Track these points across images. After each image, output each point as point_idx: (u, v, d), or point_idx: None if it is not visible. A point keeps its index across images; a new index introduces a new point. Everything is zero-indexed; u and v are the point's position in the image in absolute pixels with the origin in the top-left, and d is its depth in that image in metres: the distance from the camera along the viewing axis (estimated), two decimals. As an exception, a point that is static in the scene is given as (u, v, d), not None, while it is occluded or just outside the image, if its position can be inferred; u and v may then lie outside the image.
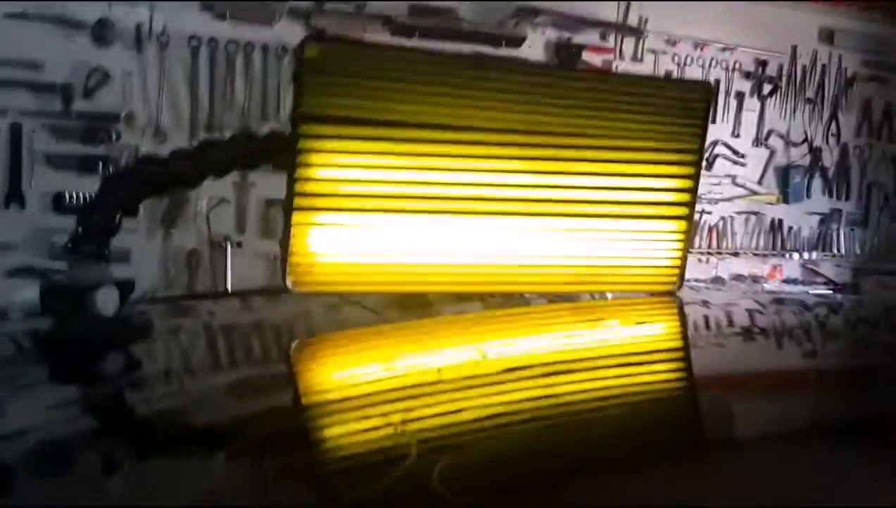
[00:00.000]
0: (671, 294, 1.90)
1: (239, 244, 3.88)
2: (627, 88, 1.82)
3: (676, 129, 1.82)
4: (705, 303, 2.12)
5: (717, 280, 5.17)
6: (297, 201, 1.56)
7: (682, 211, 1.87)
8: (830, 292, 5.32)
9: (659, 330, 1.78)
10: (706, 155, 4.52)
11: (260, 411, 1.11)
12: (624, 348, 1.58)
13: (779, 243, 5.36)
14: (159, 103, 3.75)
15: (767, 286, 5.25)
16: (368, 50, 1.58)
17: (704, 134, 1.84)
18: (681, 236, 1.87)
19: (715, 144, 5.01)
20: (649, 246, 1.86)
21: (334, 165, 1.59)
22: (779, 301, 2.31)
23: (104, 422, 1.08)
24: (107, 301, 1.50)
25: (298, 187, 1.56)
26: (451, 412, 1.10)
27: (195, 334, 1.70)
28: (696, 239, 4.97)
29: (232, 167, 1.58)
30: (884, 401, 1.19)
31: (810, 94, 5.35)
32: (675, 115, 1.82)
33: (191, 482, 0.84)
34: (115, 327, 1.52)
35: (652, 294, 1.90)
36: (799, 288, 5.40)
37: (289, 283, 1.60)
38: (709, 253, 5.14)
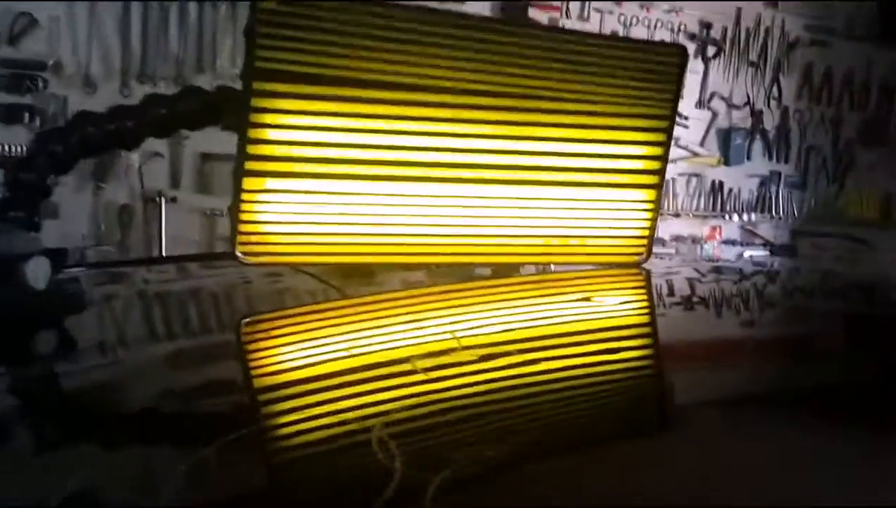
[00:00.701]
0: (638, 265, 1.81)
1: (173, 200, 3.71)
2: (597, 48, 1.70)
3: (648, 93, 1.72)
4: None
5: (658, 241, 5.13)
6: (249, 165, 1.43)
7: (653, 179, 1.77)
8: (767, 252, 5.34)
9: (614, 305, 1.68)
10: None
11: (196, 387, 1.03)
12: (583, 325, 1.47)
13: (719, 205, 5.34)
14: (89, 52, 3.54)
15: (706, 247, 5.24)
16: (326, 3, 1.42)
17: (677, 99, 1.74)
18: (650, 206, 1.78)
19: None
20: (617, 215, 1.77)
21: (288, 126, 1.46)
22: (717, 270, 2.25)
23: (30, 401, 1.00)
24: (38, 272, 1.36)
25: (250, 150, 1.42)
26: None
27: (130, 304, 1.56)
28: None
29: (177, 126, 1.43)
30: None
31: (753, 57, 5.31)
32: (647, 79, 1.72)
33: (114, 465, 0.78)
34: (46, 300, 1.37)
35: (618, 266, 1.81)
36: (737, 249, 5.41)
37: (239, 253, 1.47)
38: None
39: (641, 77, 1.71)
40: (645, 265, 1.87)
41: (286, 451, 0.83)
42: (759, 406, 0.98)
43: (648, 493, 0.72)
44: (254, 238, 1.48)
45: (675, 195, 5.12)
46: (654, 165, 1.76)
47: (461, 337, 1.22)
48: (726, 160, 5.29)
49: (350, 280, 1.67)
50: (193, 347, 1.26)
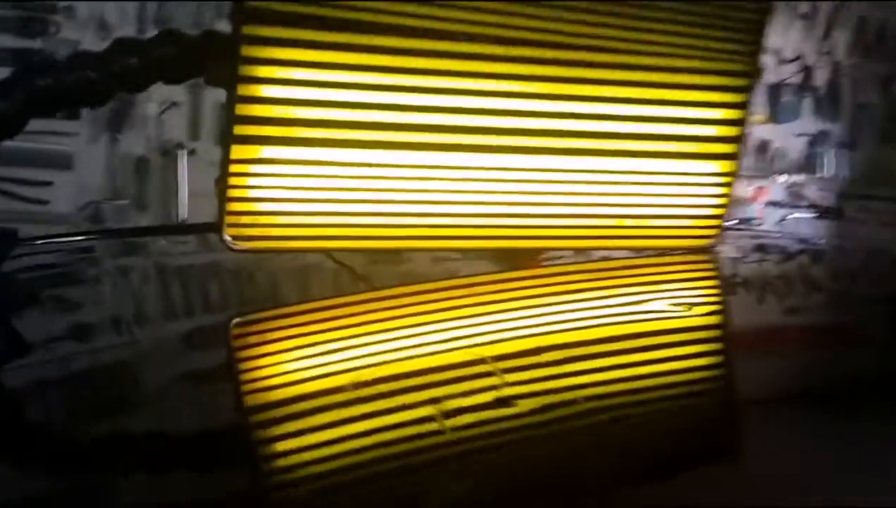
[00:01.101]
0: (707, 250, 1.49)
1: (192, 152, 3.44)
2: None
3: (728, 45, 1.39)
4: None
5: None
6: (239, 130, 1.13)
7: (730, 148, 1.45)
8: (814, 216, 5.02)
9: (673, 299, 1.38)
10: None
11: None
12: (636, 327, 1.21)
13: (764, 165, 4.99)
14: (104, -9, 3.27)
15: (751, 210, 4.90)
16: None
17: (760, 55, 1.41)
18: (726, 179, 1.46)
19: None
20: (686, 191, 1.45)
21: (286, 80, 1.14)
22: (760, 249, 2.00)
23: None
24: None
25: (239, 110, 1.12)
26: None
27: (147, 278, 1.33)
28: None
29: (151, 79, 1.13)
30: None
31: (804, 9, 4.92)
32: (727, 28, 1.39)
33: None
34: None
35: (685, 250, 1.49)
36: (782, 211, 5.09)
37: (226, 237, 1.18)
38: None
39: (721, 27, 1.39)
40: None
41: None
42: (812, 402, 0.91)
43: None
44: (245, 219, 1.18)
45: (718, 154, 4.79)
46: (733, 131, 1.44)
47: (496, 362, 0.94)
48: (774, 118, 4.93)
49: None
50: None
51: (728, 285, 1.49)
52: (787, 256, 1.96)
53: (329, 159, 1.19)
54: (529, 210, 1.37)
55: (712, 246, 1.49)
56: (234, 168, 1.14)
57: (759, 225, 4.00)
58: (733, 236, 1.69)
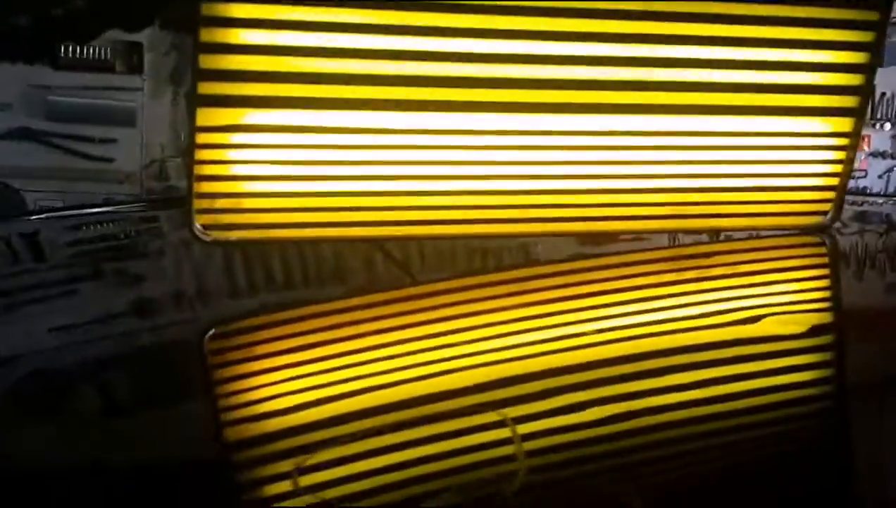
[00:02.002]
0: (822, 230, 1.17)
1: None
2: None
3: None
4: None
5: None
6: (204, 88, 0.85)
7: (851, 102, 1.12)
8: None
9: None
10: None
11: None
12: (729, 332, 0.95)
13: (868, 111, 4.53)
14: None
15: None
16: None
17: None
18: (844, 141, 1.13)
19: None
20: (795, 157, 1.13)
21: (266, 22, 0.85)
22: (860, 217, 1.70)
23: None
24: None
25: (204, 63, 0.84)
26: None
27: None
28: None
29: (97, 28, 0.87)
30: None
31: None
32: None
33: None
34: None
35: (793, 231, 1.17)
36: (886, 162, 4.62)
37: (196, 226, 0.91)
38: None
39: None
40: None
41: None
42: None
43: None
44: (218, 203, 0.90)
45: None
46: (857, 79, 1.11)
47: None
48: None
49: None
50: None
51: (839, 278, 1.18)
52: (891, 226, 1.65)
53: (318, 125, 0.90)
54: (592, 184, 1.06)
55: (825, 227, 1.17)
56: (201, 138, 0.86)
57: (861, 177, 3.63)
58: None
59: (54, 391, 0.78)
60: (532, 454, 0.69)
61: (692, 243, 1.18)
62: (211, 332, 0.89)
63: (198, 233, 0.91)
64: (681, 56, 1.03)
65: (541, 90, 0.99)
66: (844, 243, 1.35)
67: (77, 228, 1.43)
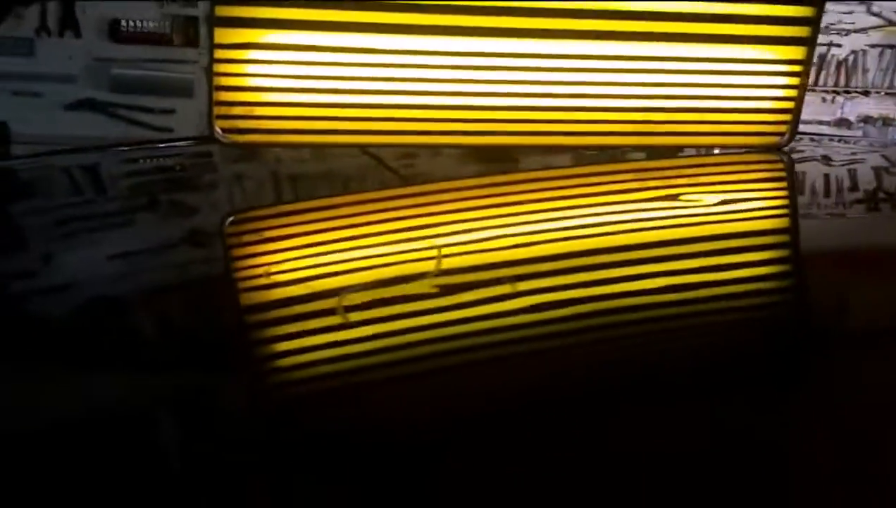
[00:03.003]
0: (778, 149, 1.31)
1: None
2: None
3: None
4: (825, 159, 1.52)
5: (843, 122, 4.45)
6: (221, 10, 1.03)
7: (802, 31, 1.26)
8: None
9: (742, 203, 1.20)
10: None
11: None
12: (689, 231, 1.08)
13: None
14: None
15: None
16: None
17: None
18: (795, 68, 1.27)
19: (851, -30, 4.19)
20: (750, 81, 1.27)
21: None
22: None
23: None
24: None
25: (220, 11, 1.02)
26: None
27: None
28: (822, 75, 4.23)
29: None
30: None
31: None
32: None
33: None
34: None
35: (752, 149, 1.32)
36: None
37: (217, 130, 1.09)
38: (835, 91, 4.39)
39: None
40: (819, 151, 1.39)
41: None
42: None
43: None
44: (236, 110, 1.08)
45: (865, 70, 4.40)
46: (806, 11, 1.25)
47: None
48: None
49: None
50: None
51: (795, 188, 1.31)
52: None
53: (326, 44, 1.08)
54: (567, 102, 1.22)
55: (781, 146, 1.31)
56: (220, 54, 1.04)
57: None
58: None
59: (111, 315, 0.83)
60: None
61: (660, 158, 1.33)
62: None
63: (217, 135, 1.10)
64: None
65: (519, 16, 1.15)
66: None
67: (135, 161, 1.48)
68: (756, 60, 1.25)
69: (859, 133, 4.37)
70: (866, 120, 4.51)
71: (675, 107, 1.25)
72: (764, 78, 1.27)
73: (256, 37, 1.06)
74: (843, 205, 1.26)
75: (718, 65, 1.25)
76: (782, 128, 1.29)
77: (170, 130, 3.23)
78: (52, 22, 3.13)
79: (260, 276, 0.90)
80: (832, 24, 4.09)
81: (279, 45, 1.07)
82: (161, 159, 1.50)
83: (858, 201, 1.30)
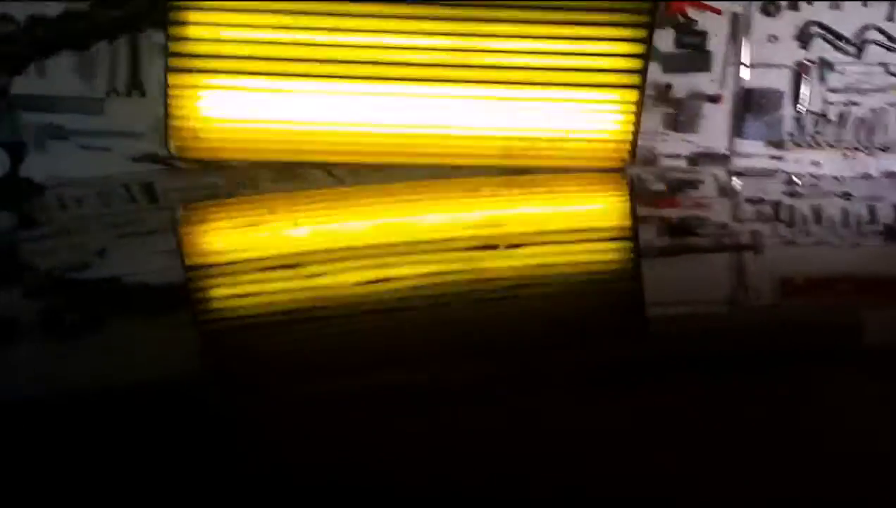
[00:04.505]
0: (620, 170, 1.68)
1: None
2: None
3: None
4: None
5: (866, 177, 4.63)
6: (173, 62, 1.47)
7: (632, 79, 1.63)
8: None
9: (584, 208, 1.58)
10: (856, 41, 4.15)
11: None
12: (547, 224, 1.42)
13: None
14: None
15: None
16: None
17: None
18: (630, 108, 1.64)
19: (865, 28, 4.42)
20: (594, 117, 1.65)
21: (214, 22, 1.48)
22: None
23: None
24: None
25: (173, 47, 1.46)
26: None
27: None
28: (843, 132, 4.44)
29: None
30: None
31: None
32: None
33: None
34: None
35: (599, 170, 1.69)
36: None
37: (172, 147, 1.52)
38: (857, 148, 4.59)
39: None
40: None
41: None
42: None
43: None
44: (185, 133, 1.52)
45: (885, 128, 4.58)
46: (633, 63, 1.62)
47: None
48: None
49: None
50: None
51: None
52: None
53: (256, 87, 1.51)
54: (442, 131, 1.61)
55: (623, 168, 1.67)
56: (173, 92, 1.48)
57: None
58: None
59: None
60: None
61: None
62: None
63: (172, 153, 1.53)
64: (501, 47, 1.59)
65: (397, 67, 1.55)
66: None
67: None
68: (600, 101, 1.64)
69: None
70: (890, 175, 4.70)
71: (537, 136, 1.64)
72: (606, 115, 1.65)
73: (203, 80, 1.50)
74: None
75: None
76: (623, 154, 1.67)
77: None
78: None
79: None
80: (851, 83, 4.31)
81: (217, 86, 1.51)
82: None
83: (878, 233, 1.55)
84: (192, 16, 1.45)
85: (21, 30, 1.46)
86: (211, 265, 1.18)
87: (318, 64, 1.50)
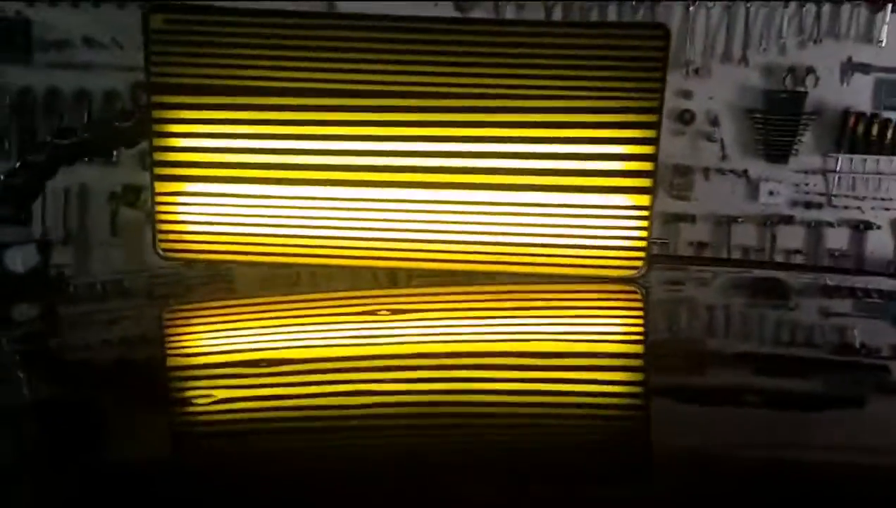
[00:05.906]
0: (633, 281, 1.54)
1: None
2: (567, 37, 1.49)
3: (629, 83, 1.46)
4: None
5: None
6: (158, 170, 1.53)
7: (643, 182, 1.50)
8: None
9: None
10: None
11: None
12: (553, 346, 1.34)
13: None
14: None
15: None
16: (216, 15, 1.46)
17: (663, 87, 1.46)
18: (643, 212, 1.51)
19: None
20: (602, 223, 1.52)
21: (193, 133, 1.52)
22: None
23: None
24: (17, 259, 1.60)
25: (157, 157, 1.51)
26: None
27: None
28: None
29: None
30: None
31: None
32: (627, 67, 1.46)
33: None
34: (28, 282, 1.61)
35: (612, 280, 1.56)
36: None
37: (159, 250, 1.57)
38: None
39: (622, 64, 1.47)
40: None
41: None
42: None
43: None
44: (172, 236, 1.56)
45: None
46: (644, 165, 1.49)
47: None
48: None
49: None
50: None
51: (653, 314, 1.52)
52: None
53: (236, 192, 1.53)
54: (451, 237, 1.56)
55: (636, 278, 1.54)
56: (159, 199, 1.54)
57: None
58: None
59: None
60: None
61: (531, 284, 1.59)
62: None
63: (160, 254, 1.58)
64: (501, 150, 1.51)
65: (390, 173, 1.53)
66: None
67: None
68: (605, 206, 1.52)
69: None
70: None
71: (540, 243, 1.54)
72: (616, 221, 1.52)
73: (186, 187, 1.55)
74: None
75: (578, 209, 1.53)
76: (637, 263, 1.53)
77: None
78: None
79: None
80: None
81: (201, 192, 1.55)
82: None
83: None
84: (175, 127, 1.49)
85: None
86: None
87: (313, 171, 1.50)
